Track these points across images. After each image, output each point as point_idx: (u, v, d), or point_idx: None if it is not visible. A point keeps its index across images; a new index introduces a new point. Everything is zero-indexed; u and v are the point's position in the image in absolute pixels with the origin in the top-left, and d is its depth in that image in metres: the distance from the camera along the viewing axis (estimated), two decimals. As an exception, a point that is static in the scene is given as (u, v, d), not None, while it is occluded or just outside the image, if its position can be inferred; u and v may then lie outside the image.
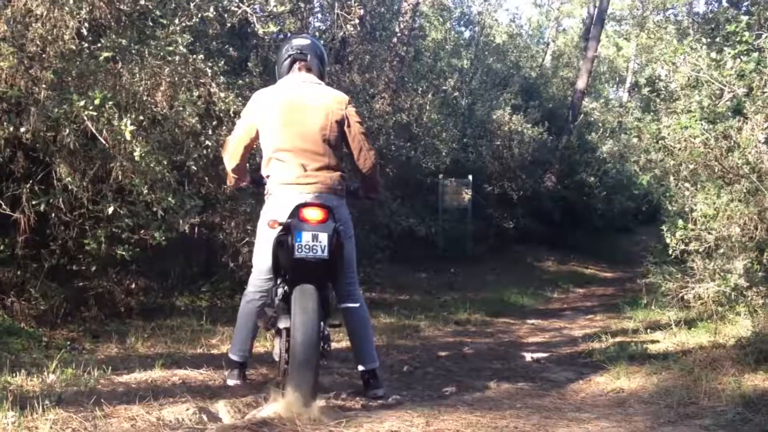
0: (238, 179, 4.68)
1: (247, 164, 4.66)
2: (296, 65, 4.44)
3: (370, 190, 4.74)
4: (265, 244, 4.20)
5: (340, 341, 5.98)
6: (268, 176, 4.32)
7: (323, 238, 3.88)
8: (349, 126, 4.29)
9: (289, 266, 4.00)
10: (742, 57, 6.21)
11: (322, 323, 3.99)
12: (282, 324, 4.11)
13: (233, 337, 4.69)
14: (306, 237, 3.88)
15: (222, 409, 4.13)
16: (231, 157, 4.51)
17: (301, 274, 3.94)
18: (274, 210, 4.14)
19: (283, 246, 3.96)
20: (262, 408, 4.13)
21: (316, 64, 4.46)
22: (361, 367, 4.50)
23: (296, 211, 3.96)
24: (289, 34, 11.02)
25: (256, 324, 4.55)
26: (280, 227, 3.99)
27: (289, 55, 4.45)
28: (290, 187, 4.15)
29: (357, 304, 4.45)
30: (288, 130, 4.19)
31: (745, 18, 6.17)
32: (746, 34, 6.09)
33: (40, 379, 4.27)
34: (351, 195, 4.66)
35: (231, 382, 4.55)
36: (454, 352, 6.55)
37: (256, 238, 4.38)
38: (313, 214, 3.95)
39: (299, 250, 3.86)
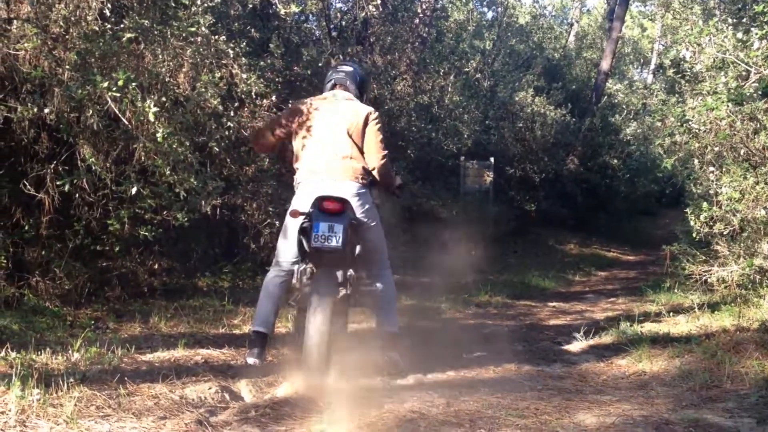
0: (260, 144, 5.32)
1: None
2: (336, 87, 4.99)
3: (387, 188, 5.18)
4: (291, 230, 4.57)
5: (361, 322, 6.01)
6: (297, 168, 4.83)
7: (339, 229, 4.17)
8: (366, 125, 4.76)
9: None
10: (769, 37, 6.12)
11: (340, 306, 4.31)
12: (305, 303, 4.33)
13: (256, 311, 4.85)
14: (323, 227, 4.18)
15: (244, 388, 4.17)
16: (262, 129, 5.24)
17: (319, 260, 4.24)
18: (299, 200, 4.60)
19: (305, 233, 4.27)
20: (282, 386, 4.16)
21: (353, 88, 4.99)
22: (381, 329, 4.87)
23: (316, 203, 4.30)
24: (310, 16, 11.04)
25: (279, 299, 4.79)
26: (302, 216, 4.32)
27: (331, 79, 5.05)
28: (317, 174, 4.66)
29: (382, 286, 4.82)
30: (319, 126, 4.77)
31: (773, -2, 6.06)
32: (774, 14, 6.00)
33: (65, 357, 4.32)
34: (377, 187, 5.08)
35: (250, 361, 4.62)
36: (475, 334, 6.54)
37: (284, 224, 4.77)
38: (331, 206, 4.26)
39: (316, 240, 4.17)
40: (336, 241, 4.16)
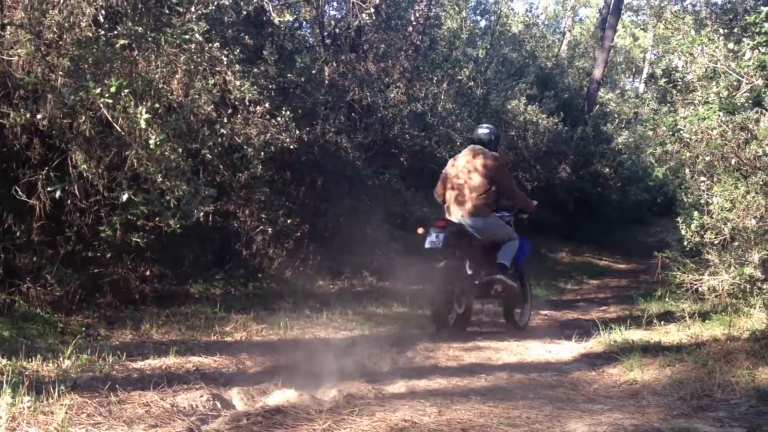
0: (441, 200, 7.02)
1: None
2: (478, 137, 6.89)
3: (520, 208, 7.10)
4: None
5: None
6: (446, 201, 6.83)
7: (441, 236, 6.20)
8: (488, 168, 6.60)
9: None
10: (761, 48, 6.15)
11: (454, 284, 6.42)
12: None
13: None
14: (432, 236, 6.24)
15: (235, 396, 4.16)
16: (436, 189, 7.04)
17: (433, 255, 6.33)
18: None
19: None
20: (274, 394, 4.15)
21: (486, 143, 6.86)
22: (498, 261, 6.70)
23: (433, 221, 6.55)
24: (303, 23, 11.06)
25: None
26: (424, 231, 6.40)
27: (469, 138, 7.16)
28: (452, 207, 6.70)
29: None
30: (454, 173, 6.74)
31: (765, 9, 6.08)
32: (766, 24, 6.02)
33: (56, 364, 4.30)
34: (507, 210, 7.06)
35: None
36: (467, 344, 6.54)
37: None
38: (439, 224, 6.43)
39: (427, 243, 6.22)
40: (438, 244, 6.18)
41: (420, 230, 6.45)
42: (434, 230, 6.22)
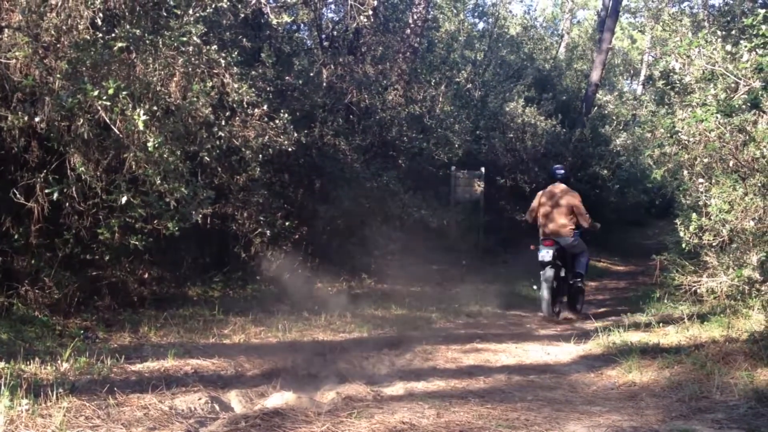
0: (532, 221, 9.13)
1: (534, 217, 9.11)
2: (556, 182, 8.97)
3: (589, 228, 8.89)
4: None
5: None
6: (539, 224, 8.94)
7: (550, 252, 8.39)
8: (567, 201, 8.75)
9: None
10: (758, 50, 6.15)
11: (555, 283, 8.57)
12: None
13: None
14: (543, 251, 8.44)
15: (234, 398, 4.16)
16: (528, 213, 9.21)
17: (544, 266, 8.45)
18: (540, 241, 8.76)
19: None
20: (272, 397, 4.15)
21: (564, 180, 9.05)
22: (576, 270, 8.99)
23: (541, 241, 8.67)
24: (301, 25, 11.06)
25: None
26: (535, 248, 8.74)
27: (551, 176, 9.16)
28: (549, 226, 8.75)
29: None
30: (545, 205, 8.84)
31: (762, 11, 6.09)
32: (763, 27, 6.02)
33: (54, 367, 4.30)
34: (578, 228, 8.84)
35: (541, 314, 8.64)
36: (465, 346, 6.55)
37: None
38: (547, 243, 8.56)
39: (540, 257, 8.41)
40: (548, 257, 8.37)
41: (532, 247, 8.92)
42: (544, 248, 8.48)
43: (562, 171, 9.19)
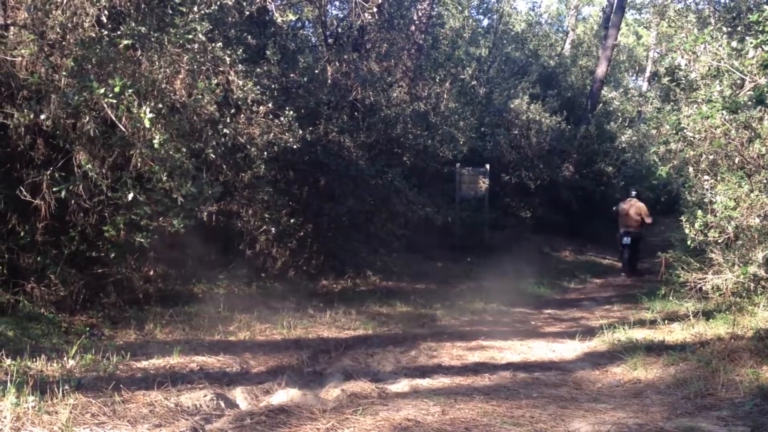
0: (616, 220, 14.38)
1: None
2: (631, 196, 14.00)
3: (649, 224, 13.96)
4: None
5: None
6: (620, 222, 14.04)
7: (628, 238, 13.66)
8: (641, 211, 13.60)
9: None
10: (764, 46, 6.13)
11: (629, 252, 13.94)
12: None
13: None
14: (625, 238, 13.71)
15: (239, 395, 4.16)
16: (615, 214, 14.32)
17: (623, 245, 13.93)
18: (619, 231, 13.98)
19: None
20: (278, 393, 4.16)
21: (637, 196, 14.04)
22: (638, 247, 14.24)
23: (623, 231, 13.87)
24: (306, 23, 11.06)
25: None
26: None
27: (628, 191, 14.36)
28: (627, 222, 13.77)
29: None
30: (625, 209, 13.73)
31: None
32: (769, 23, 6.01)
33: (60, 364, 4.32)
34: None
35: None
36: (471, 343, 6.55)
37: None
38: (628, 231, 13.74)
39: (623, 241, 13.78)
40: (628, 240, 13.64)
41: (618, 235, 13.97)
42: (624, 236, 13.58)
43: (635, 192, 14.21)
